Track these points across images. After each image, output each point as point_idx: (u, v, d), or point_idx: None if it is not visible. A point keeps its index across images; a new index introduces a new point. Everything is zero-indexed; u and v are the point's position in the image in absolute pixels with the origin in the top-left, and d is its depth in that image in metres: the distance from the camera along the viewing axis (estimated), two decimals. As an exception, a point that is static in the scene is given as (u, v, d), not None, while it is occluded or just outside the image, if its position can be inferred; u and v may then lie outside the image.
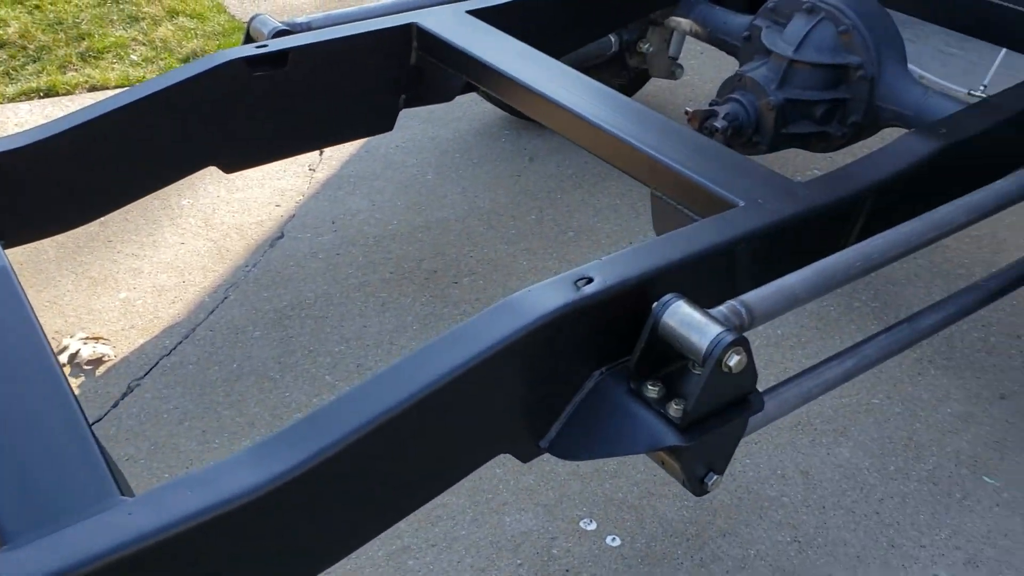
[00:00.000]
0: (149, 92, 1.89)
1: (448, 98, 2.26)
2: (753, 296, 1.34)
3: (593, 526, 1.77)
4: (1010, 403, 2.11)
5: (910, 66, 2.27)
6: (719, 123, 2.22)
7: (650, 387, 1.29)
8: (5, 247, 1.68)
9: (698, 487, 1.36)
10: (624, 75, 3.17)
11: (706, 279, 1.45)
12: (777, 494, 1.86)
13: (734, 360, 1.23)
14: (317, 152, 2.90)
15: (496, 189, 2.81)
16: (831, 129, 2.29)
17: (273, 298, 2.28)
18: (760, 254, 1.50)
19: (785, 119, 2.26)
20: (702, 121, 2.26)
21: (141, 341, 2.12)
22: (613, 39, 2.82)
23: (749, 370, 1.28)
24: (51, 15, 3.78)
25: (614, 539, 1.74)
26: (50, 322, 2.15)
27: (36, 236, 1.91)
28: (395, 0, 2.33)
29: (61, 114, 2.16)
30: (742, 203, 1.53)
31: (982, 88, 2.82)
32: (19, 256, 2.33)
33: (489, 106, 3.07)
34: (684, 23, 2.68)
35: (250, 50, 2.01)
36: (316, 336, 2.16)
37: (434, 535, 1.74)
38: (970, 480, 1.91)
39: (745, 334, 1.25)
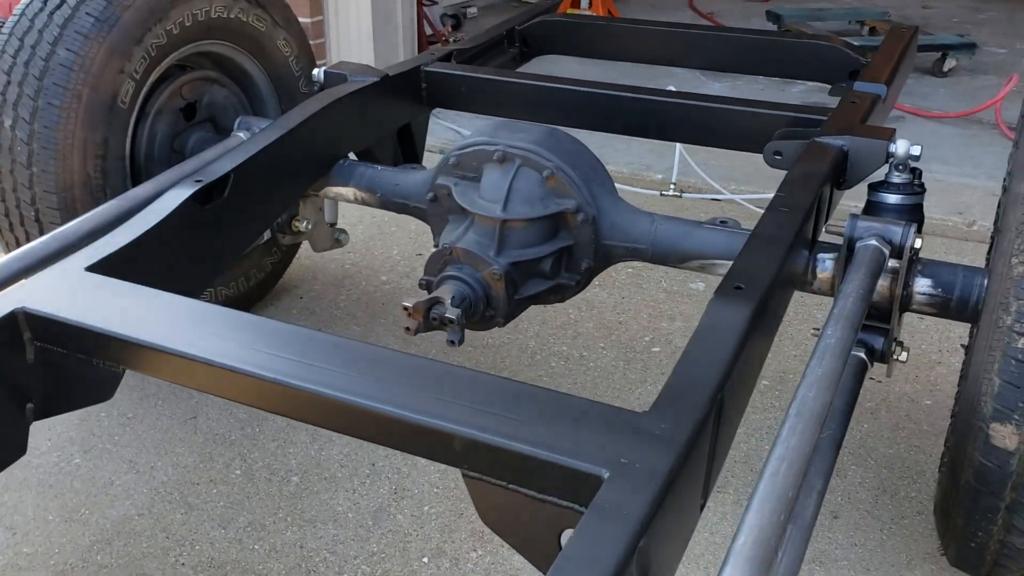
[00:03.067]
0: None
1: (102, 397, 1.63)
2: None
3: None
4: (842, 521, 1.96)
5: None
6: (451, 312, 1.84)
7: None
8: None
9: None
10: (275, 253, 2.69)
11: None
12: None
13: None
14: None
15: (172, 447, 2.18)
16: (564, 280, 2.01)
17: None
18: (663, 538, 1.13)
19: (515, 284, 1.94)
20: (427, 314, 1.86)
21: None
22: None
23: None
24: None
25: None
26: None
27: None
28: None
29: None
30: (607, 473, 1.15)
31: (672, 186, 2.74)
32: None
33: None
34: (346, 192, 2.26)
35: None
36: None
37: None
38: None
39: None
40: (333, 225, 2.52)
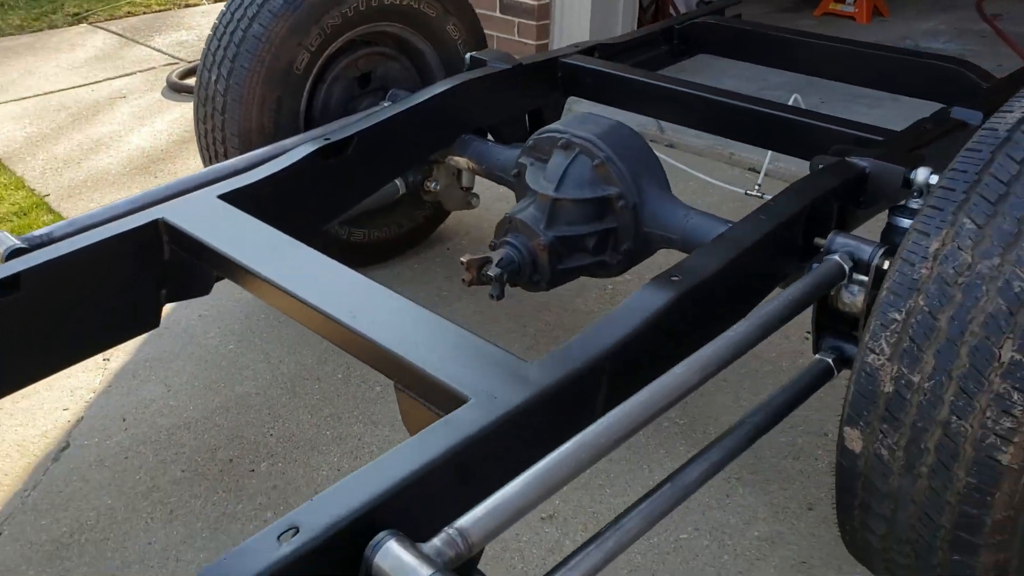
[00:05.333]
0: None
1: (206, 291, 2.18)
2: (471, 519, 1.27)
3: None
4: (817, 513, 2.09)
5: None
6: (493, 271, 2.19)
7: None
8: None
9: None
10: (427, 208, 3.14)
11: (437, 496, 1.38)
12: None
13: (439, 606, 1.16)
14: (111, 338, 2.76)
15: (301, 349, 2.72)
16: (607, 258, 2.28)
17: (51, 525, 2.12)
18: (494, 454, 1.44)
19: (559, 256, 2.24)
20: (478, 270, 2.22)
21: None
22: (399, 183, 2.79)
23: (472, 605, 1.21)
24: None
25: None
26: None
27: None
28: (146, 191, 2.26)
29: None
30: (472, 398, 1.48)
31: (757, 187, 2.89)
32: None
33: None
34: (462, 162, 2.66)
35: (-31, 284, 1.89)
36: (95, 566, 2.01)
37: None
38: (784, 608, 1.87)
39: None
40: (467, 189, 2.93)
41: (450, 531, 1.25)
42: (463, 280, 2.24)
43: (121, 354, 2.72)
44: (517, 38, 4.78)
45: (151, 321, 2.18)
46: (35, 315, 1.96)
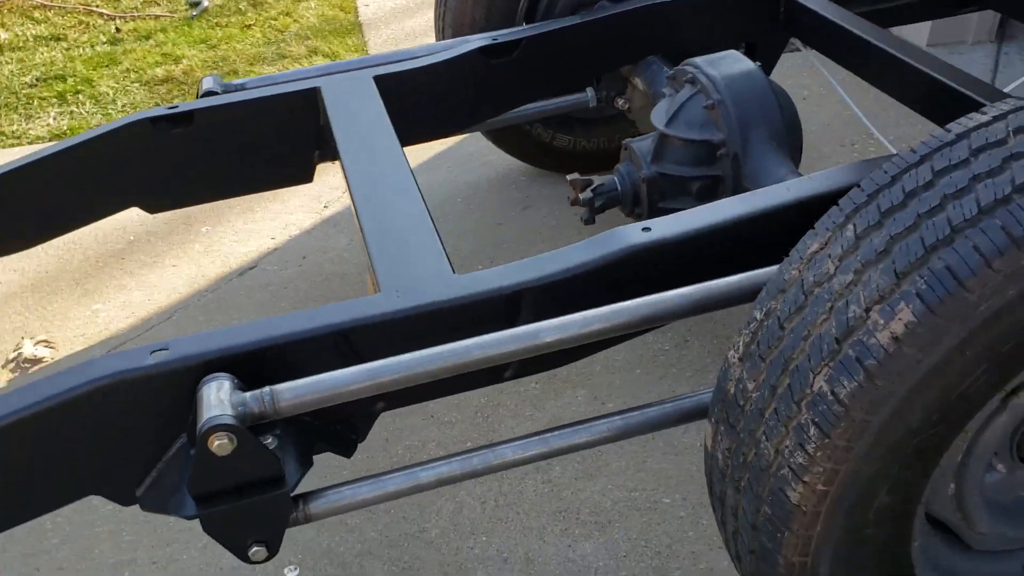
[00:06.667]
0: (69, 145, 2.29)
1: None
2: (288, 387, 1.41)
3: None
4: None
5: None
6: (584, 195, 2.20)
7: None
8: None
9: (240, 554, 1.48)
10: (628, 128, 3.10)
11: (301, 364, 1.53)
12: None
13: (216, 444, 1.34)
14: (337, 189, 3.19)
15: (481, 233, 2.93)
16: (711, 206, 2.16)
17: (205, 324, 2.61)
18: (379, 342, 1.55)
19: (661, 193, 2.18)
20: (580, 191, 2.25)
21: (79, 349, 2.54)
22: (590, 93, 2.80)
23: (248, 455, 1.37)
24: (219, 54, 4.43)
25: None
26: (32, 323, 2.64)
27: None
28: (354, 59, 2.56)
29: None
30: (382, 290, 1.59)
31: None
32: (49, 259, 2.87)
33: (505, 155, 3.15)
34: (637, 82, 2.62)
35: (160, 111, 2.33)
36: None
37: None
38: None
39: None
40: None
41: (265, 391, 1.41)
42: (568, 198, 2.28)
43: (339, 205, 3.13)
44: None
45: (304, 176, 2.52)
46: (203, 149, 2.38)
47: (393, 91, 2.36)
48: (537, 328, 1.46)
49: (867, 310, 1.10)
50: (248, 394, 1.40)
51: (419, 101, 2.44)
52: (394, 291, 1.58)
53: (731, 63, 2.15)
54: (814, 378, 1.14)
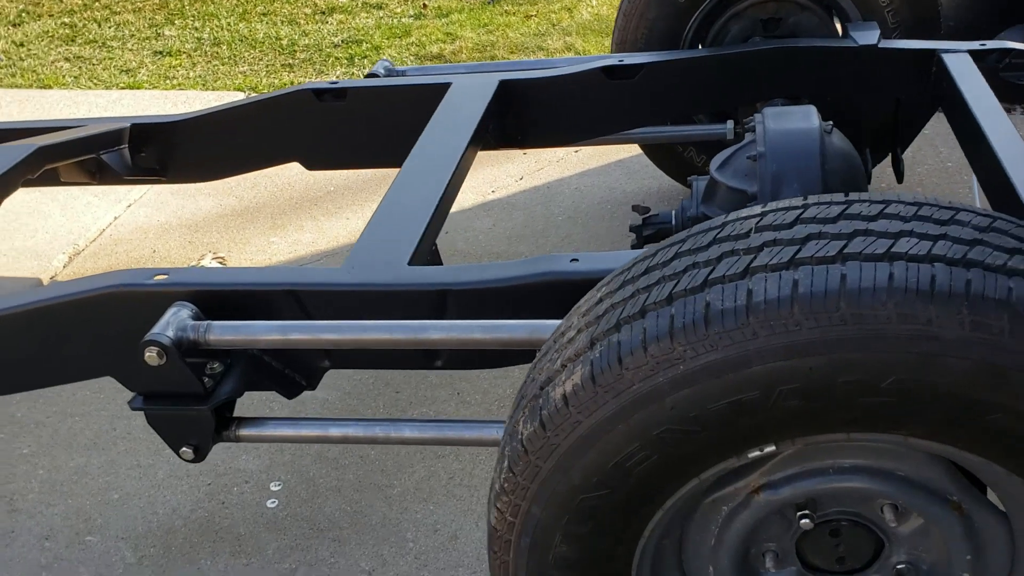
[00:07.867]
0: (250, 101, 2.79)
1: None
2: (222, 324, 1.72)
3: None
4: None
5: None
6: (634, 223, 2.30)
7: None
8: (167, 182, 2.82)
9: (175, 450, 1.83)
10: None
11: (264, 308, 1.83)
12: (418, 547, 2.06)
13: (147, 355, 1.69)
14: (512, 176, 3.46)
15: (602, 239, 3.07)
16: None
17: (338, 269, 3.02)
18: (324, 307, 1.82)
19: (703, 233, 2.20)
20: (643, 221, 2.34)
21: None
22: (730, 125, 2.80)
23: (173, 370, 1.70)
24: (491, 39, 4.85)
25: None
26: (221, 242, 3.22)
27: (185, 180, 2.95)
28: (483, 63, 2.83)
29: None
30: (343, 265, 1.85)
31: None
32: (262, 194, 3.45)
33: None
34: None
35: (322, 84, 2.75)
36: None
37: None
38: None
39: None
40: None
41: (203, 323, 1.74)
42: (630, 225, 2.39)
43: (506, 192, 3.41)
44: None
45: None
46: (353, 122, 2.76)
47: (516, 96, 2.59)
48: (424, 324, 1.65)
49: (563, 366, 1.19)
50: (190, 323, 1.74)
51: (537, 109, 2.63)
52: (351, 267, 1.84)
53: (794, 118, 2.11)
54: (520, 416, 1.24)
